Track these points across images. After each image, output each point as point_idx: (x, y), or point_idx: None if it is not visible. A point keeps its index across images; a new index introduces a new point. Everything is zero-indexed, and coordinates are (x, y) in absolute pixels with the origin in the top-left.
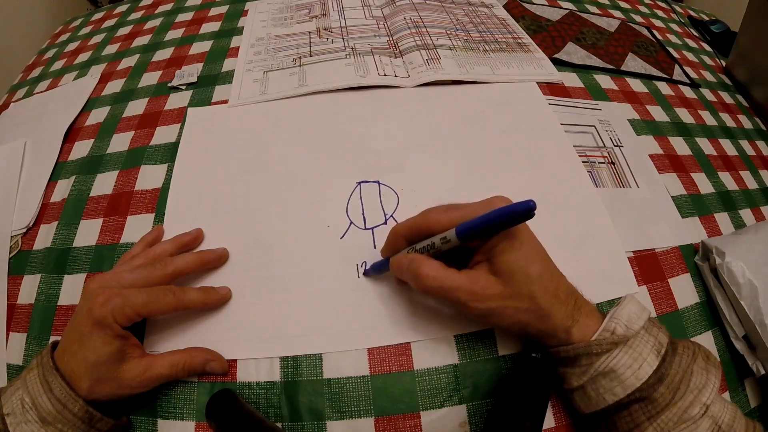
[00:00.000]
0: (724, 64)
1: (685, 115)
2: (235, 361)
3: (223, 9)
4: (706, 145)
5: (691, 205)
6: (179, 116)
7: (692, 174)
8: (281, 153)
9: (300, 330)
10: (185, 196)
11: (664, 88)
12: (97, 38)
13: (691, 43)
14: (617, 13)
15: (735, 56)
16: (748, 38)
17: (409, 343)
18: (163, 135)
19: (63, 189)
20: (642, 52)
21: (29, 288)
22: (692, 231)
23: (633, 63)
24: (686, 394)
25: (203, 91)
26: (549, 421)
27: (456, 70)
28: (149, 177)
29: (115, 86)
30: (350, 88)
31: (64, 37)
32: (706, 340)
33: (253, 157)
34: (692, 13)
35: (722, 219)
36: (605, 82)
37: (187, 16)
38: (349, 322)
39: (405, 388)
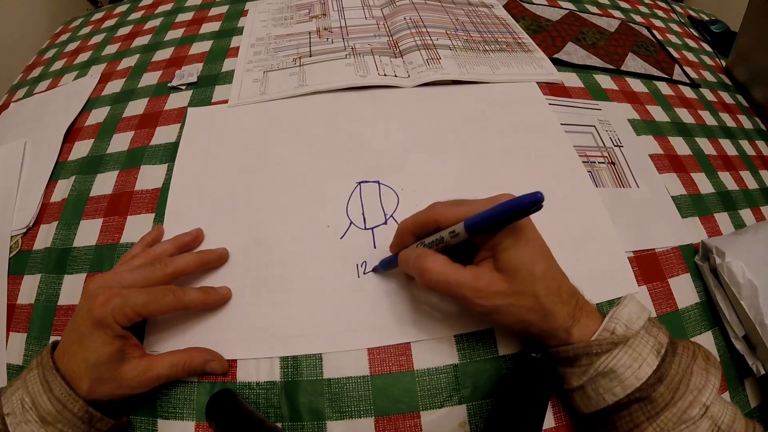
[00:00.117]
0: (724, 64)
1: (685, 115)
2: (235, 361)
3: (223, 9)
4: (706, 145)
5: (691, 205)
6: (179, 116)
7: (692, 174)
8: (281, 153)
9: (300, 330)
10: (185, 196)
11: (664, 88)
12: (97, 38)
13: (691, 43)
14: (617, 13)
15: (735, 56)
16: (748, 38)
17: (409, 343)
18: (163, 135)
19: (63, 189)
20: (642, 52)
21: (29, 288)
22: (692, 231)
23: (633, 63)
24: (686, 394)
25: (203, 91)
26: (549, 421)
27: (456, 70)
28: (149, 177)
29: (115, 86)
30: (350, 88)
31: (64, 37)
32: (706, 340)
33: (253, 157)
34: (692, 13)
35: (722, 219)
36: (605, 82)
37: (187, 16)
38: (349, 322)
39: (405, 388)
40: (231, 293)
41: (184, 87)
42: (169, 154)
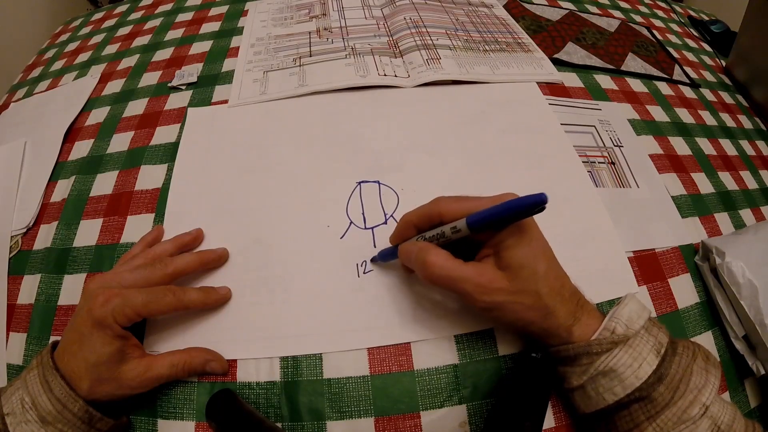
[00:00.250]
0: (724, 64)
1: (685, 115)
2: (235, 361)
3: (223, 9)
4: (706, 145)
5: (691, 205)
6: (179, 116)
7: (692, 174)
8: (281, 153)
9: (300, 330)
10: (185, 196)
11: (664, 88)
12: (97, 38)
13: (691, 43)
14: (617, 13)
15: (735, 56)
16: (748, 38)
17: (409, 343)
18: (163, 135)
19: (63, 189)
20: (642, 52)
21: (29, 288)
22: (692, 231)
23: (633, 63)
24: (686, 394)
25: (203, 91)
26: (549, 421)
27: (456, 70)
28: (149, 177)
29: (115, 86)
30: (350, 88)
31: (64, 37)
32: (706, 340)
33: (253, 157)
34: (692, 13)
35: (722, 219)
36: (605, 82)
37: (187, 16)
38: (349, 322)
39: (405, 388)
40: (231, 293)
41: (184, 87)
42: (169, 154)
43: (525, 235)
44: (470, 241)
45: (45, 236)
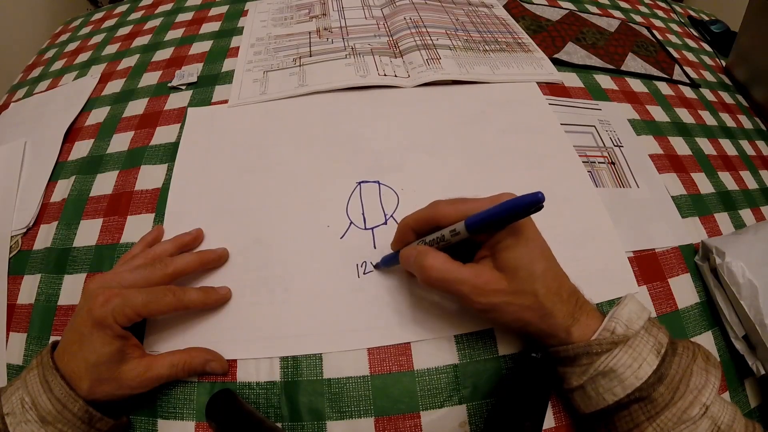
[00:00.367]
0: (724, 64)
1: (685, 115)
2: (235, 361)
3: (223, 9)
4: (706, 145)
5: (691, 205)
6: (179, 116)
7: (692, 174)
8: (281, 153)
9: (300, 330)
10: (185, 196)
11: (664, 88)
12: (97, 38)
13: (691, 43)
14: (617, 13)
15: (735, 56)
16: (748, 38)
17: (409, 343)
18: (163, 135)
19: (63, 189)
20: (642, 52)
21: (29, 288)
22: (692, 231)
23: (633, 63)
24: (686, 394)
25: (203, 91)
26: (549, 421)
27: (456, 70)
28: (149, 177)
29: (115, 86)
30: (350, 88)
31: (64, 37)
32: (706, 340)
33: (253, 157)
34: (692, 13)
35: (722, 219)
36: (605, 82)
37: (187, 16)
38: (349, 322)
39: (405, 388)
40: (231, 293)
41: (184, 87)
42: (169, 154)
43: (522, 235)
44: (469, 243)
45: (45, 236)
